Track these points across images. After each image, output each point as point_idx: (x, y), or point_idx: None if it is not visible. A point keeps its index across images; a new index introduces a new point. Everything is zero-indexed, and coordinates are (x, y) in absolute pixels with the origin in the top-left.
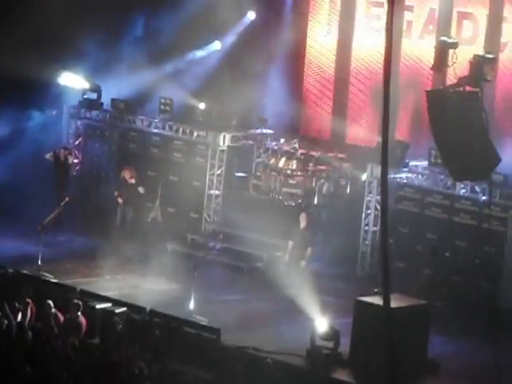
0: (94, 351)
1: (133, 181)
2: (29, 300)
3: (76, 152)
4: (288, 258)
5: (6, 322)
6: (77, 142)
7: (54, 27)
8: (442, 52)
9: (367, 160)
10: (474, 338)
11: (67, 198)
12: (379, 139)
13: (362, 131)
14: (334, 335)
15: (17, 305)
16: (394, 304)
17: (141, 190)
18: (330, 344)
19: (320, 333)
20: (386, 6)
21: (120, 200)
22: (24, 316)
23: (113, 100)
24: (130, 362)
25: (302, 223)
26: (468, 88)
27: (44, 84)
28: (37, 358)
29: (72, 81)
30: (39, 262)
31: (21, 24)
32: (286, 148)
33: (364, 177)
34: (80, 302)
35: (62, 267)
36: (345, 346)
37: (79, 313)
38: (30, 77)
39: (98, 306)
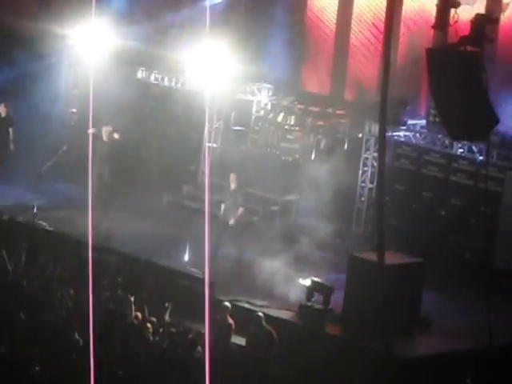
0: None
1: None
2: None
3: (75, 101)
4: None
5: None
6: (76, 92)
7: None
8: (444, 11)
9: (365, 117)
10: (467, 297)
11: (65, 147)
12: (378, 96)
13: (362, 86)
14: (325, 290)
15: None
16: (388, 261)
17: (116, 135)
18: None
19: (311, 286)
20: None
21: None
22: (19, 263)
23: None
24: (127, 312)
25: (233, 184)
26: (469, 48)
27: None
28: (32, 306)
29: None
30: (35, 210)
31: None
32: (284, 103)
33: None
34: None
35: (57, 215)
36: (339, 302)
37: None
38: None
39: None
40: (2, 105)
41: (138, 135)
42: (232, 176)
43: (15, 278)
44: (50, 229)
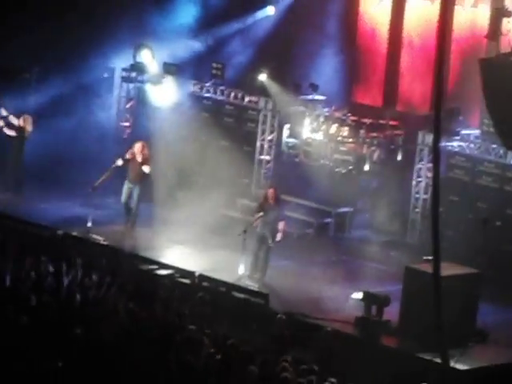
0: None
1: (139, 159)
2: None
3: (127, 115)
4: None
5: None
6: (128, 106)
7: None
8: (496, 20)
9: (419, 127)
10: None
11: (118, 161)
12: (432, 107)
13: (414, 99)
14: (380, 302)
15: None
16: (443, 272)
17: (146, 169)
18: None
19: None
20: None
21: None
22: (74, 277)
23: (164, 64)
24: (181, 325)
25: (271, 200)
26: None
27: (95, 46)
28: (86, 320)
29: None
30: (89, 224)
31: None
32: (337, 115)
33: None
34: None
35: (111, 229)
36: (394, 314)
37: None
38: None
39: (145, 268)
40: (22, 118)
41: (192, 148)
42: (270, 191)
43: (70, 292)
44: (105, 243)
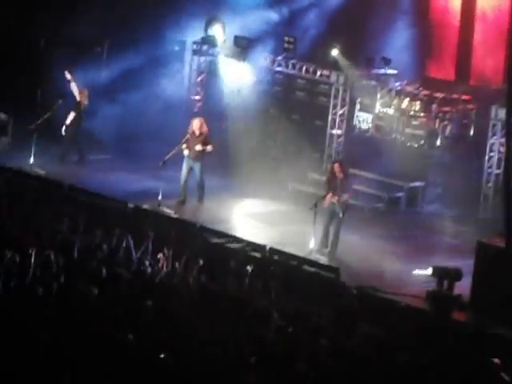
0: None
1: (198, 135)
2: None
3: (198, 89)
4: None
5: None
6: (199, 79)
7: None
8: None
9: (492, 102)
10: None
11: (187, 135)
12: (505, 81)
13: (487, 72)
14: (452, 276)
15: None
16: None
17: (208, 148)
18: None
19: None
20: None
21: (186, 151)
22: (145, 250)
23: (236, 37)
24: (253, 299)
25: (339, 174)
26: None
27: (166, 19)
28: (158, 294)
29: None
30: (159, 198)
31: None
32: (409, 89)
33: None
34: None
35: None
36: (466, 288)
37: None
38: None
39: (216, 241)
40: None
41: (264, 122)
42: (336, 166)
43: (140, 265)
44: (175, 216)
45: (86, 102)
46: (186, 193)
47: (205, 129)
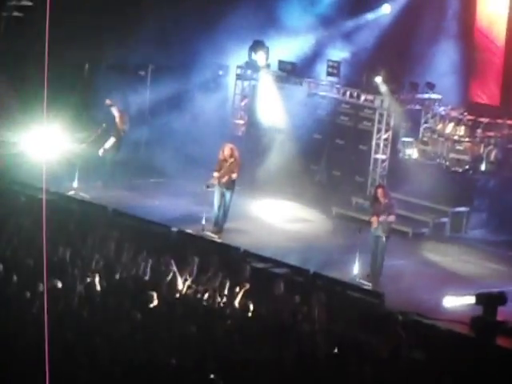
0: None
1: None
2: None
3: (242, 113)
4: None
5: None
6: (243, 103)
7: None
8: None
9: None
10: None
11: (232, 159)
12: None
13: None
14: (495, 301)
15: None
16: None
17: (234, 176)
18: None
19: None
20: None
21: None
22: (191, 275)
23: (280, 62)
24: (297, 323)
25: (382, 199)
26: None
27: (210, 44)
28: (202, 318)
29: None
30: (203, 222)
31: None
32: (453, 114)
33: None
34: None
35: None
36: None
37: None
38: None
39: (260, 267)
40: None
41: (308, 146)
42: (380, 191)
43: (186, 290)
44: (219, 240)
45: (125, 127)
46: (220, 221)
47: (236, 155)
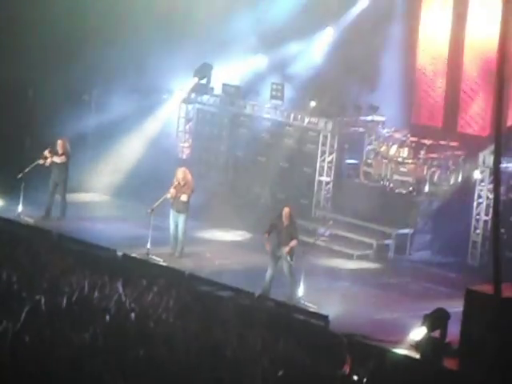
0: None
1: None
2: None
3: (186, 136)
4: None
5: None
6: (187, 127)
7: None
8: None
9: (479, 149)
10: None
11: (176, 182)
12: (492, 128)
13: (474, 120)
14: (442, 324)
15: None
16: (504, 294)
17: (183, 198)
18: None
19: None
20: None
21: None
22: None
23: (224, 85)
24: (238, 344)
25: (286, 220)
26: None
27: (154, 68)
28: (145, 342)
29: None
30: (148, 246)
31: None
32: (397, 135)
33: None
34: None
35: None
36: (455, 335)
37: None
38: (140, 63)
39: (205, 290)
40: (60, 141)
41: (252, 169)
42: (285, 211)
43: (129, 311)
44: (164, 264)
45: (67, 150)
46: (178, 245)
47: (189, 178)
